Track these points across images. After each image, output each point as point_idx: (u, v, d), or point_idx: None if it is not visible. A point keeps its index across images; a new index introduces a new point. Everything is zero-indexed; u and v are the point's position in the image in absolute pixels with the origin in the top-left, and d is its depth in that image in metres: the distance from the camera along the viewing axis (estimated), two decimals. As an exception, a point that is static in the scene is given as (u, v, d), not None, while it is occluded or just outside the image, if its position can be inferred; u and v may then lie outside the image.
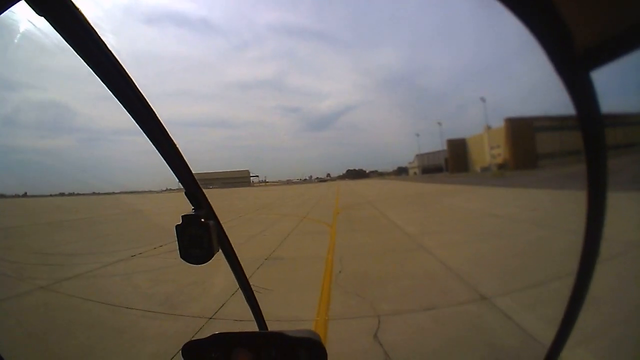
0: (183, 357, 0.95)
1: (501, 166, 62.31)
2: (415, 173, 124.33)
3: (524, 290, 5.07)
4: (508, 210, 13.42)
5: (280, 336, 0.95)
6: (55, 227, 16.47)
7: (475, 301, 4.86)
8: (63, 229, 16.03)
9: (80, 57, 0.72)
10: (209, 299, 5.46)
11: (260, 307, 1.41)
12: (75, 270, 7.56)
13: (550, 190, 19.50)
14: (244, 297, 1.38)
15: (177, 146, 0.95)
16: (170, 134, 0.93)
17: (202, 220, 0.99)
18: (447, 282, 5.77)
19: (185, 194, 1.04)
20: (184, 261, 0.99)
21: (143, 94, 0.84)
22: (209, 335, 0.95)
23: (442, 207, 17.42)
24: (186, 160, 0.99)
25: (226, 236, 1.19)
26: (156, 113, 0.88)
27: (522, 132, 61.16)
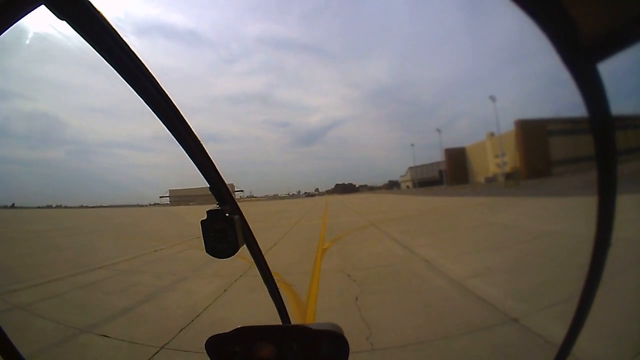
0: (206, 351, 0.95)
1: (509, 175, 55.41)
2: (408, 187, 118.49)
3: None
4: None
5: (302, 329, 0.96)
6: None
7: None
8: None
9: (104, 58, 0.71)
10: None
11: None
12: None
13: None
14: (267, 290, 1.35)
15: (202, 142, 0.95)
16: (194, 130, 0.92)
17: (227, 215, 0.98)
18: None
19: (210, 189, 1.02)
20: (210, 255, 0.97)
21: (166, 92, 0.84)
22: (232, 329, 0.97)
23: (507, 234, 9.52)
24: (210, 157, 0.99)
25: (250, 230, 1.17)
26: (179, 109, 0.88)
27: (535, 136, 54.33)
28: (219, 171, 1.01)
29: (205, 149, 0.97)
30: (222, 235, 0.96)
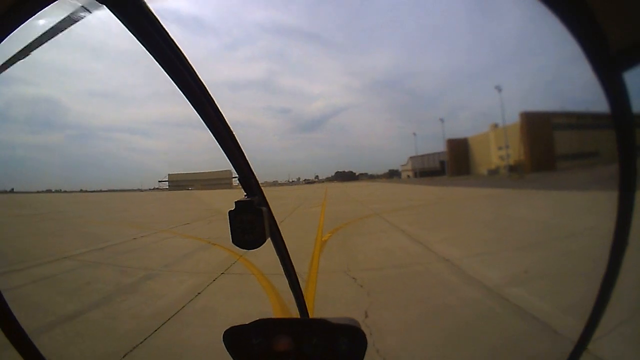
0: (224, 342, 0.94)
1: (513, 168, 54.02)
2: (408, 176, 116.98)
3: None
4: None
5: (321, 323, 0.94)
6: None
7: None
8: None
9: (144, 46, 0.70)
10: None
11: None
12: None
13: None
14: (288, 283, 1.32)
15: (234, 132, 0.94)
16: (226, 120, 0.91)
17: (255, 206, 0.95)
18: None
19: (239, 179, 1.00)
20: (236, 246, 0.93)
21: (202, 81, 0.82)
22: (251, 321, 0.96)
23: (531, 230, 8.26)
24: (242, 148, 0.97)
25: (276, 223, 1.13)
26: (214, 99, 0.87)
27: (540, 129, 52.64)
28: (249, 161, 0.99)
29: (237, 138, 0.95)
30: (249, 227, 0.91)
